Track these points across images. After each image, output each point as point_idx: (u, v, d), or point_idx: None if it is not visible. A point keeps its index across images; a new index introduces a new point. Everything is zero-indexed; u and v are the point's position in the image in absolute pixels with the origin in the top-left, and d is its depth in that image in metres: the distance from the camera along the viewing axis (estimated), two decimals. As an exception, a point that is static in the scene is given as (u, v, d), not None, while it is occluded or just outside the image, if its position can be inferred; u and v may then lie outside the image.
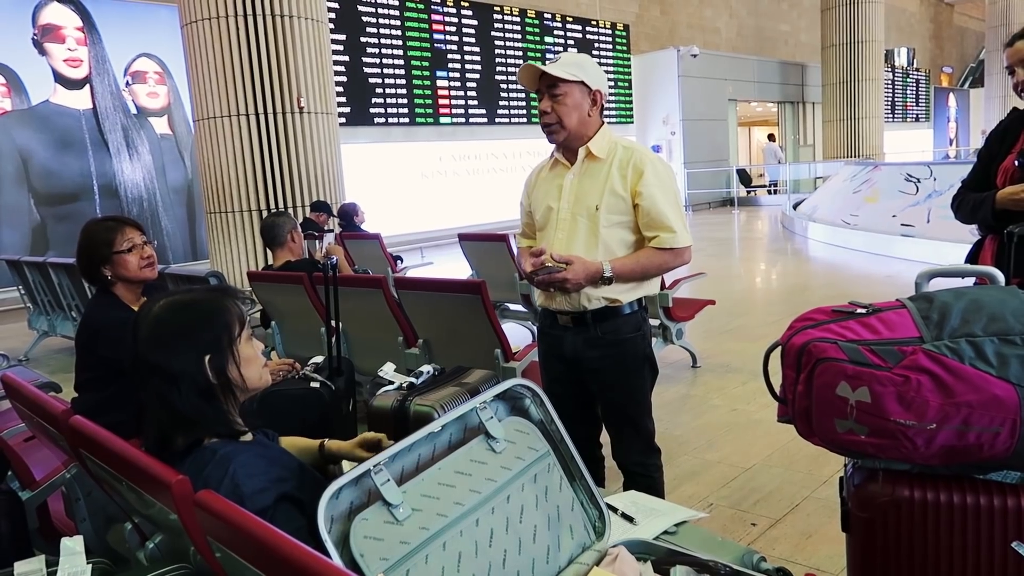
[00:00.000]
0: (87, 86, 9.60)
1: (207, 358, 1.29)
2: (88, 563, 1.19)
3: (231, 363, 1.31)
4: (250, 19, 6.53)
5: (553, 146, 2.18)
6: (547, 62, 2.04)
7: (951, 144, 26.37)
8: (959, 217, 2.35)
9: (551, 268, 1.97)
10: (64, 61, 9.42)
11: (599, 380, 2.16)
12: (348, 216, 6.88)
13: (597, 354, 2.12)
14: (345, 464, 1.55)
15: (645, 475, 2.20)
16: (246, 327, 1.36)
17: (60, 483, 1.76)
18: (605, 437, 2.29)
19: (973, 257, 2.32)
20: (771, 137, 19.70)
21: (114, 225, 2.33)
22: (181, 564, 1.21)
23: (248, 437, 1.36)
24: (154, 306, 1.34)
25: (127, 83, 9.96)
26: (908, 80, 23.69)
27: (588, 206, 2.07)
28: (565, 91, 2.02)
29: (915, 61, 24.66)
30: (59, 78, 9.40)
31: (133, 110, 10.02)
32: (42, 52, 9.26)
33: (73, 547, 1.20)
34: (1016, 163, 2.16)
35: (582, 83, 2.04)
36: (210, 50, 6.60)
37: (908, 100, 23.72)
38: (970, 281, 1.84)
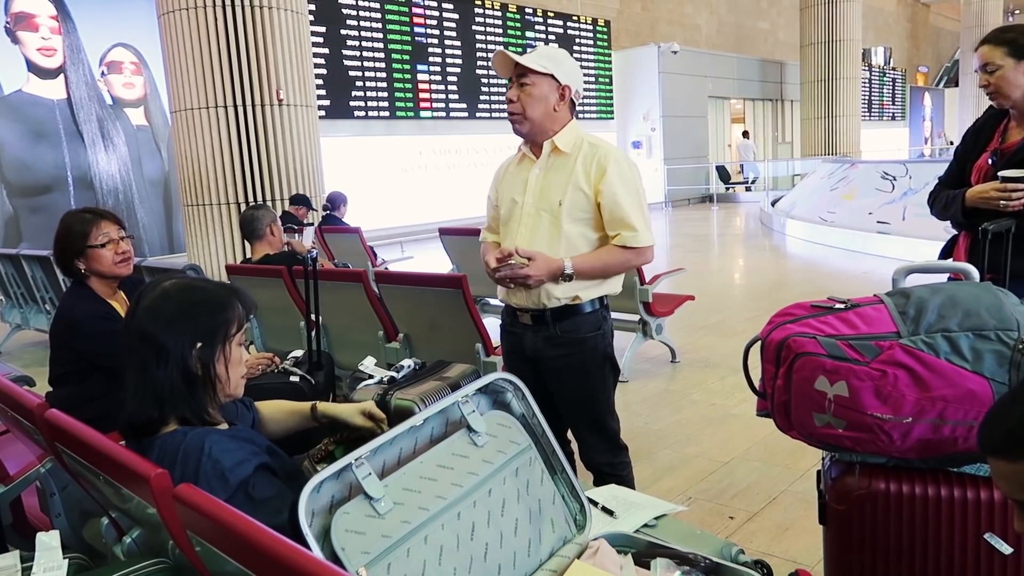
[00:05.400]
0: (61, 76, 9.43)
1: (198, 345, 1.30)
2: (64, 558, 1.17)
3: (219, 358, 1.33)
4: (228, 9, 6.46)
5: (521, 140, 2.16)
6: (526, 52, 2.04)
7: (926, 143, 26.68)
8: (934, 213, 2.38)
9: (514, 264, 1.96)
10: (38, 50, 9.25)
11: (558, 379, 2.12)
12: (336, 204, 6.83)
13: (557, 353, 2.09)
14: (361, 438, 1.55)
15: (614, 474, 2.17)
16: (243, 331, 1.37)
17: (34, 478, 1.73)
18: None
19: (947, 253, 2.35)
20: (745, 134, 19.82)
21: (91, 218, 2.29)
22: (159, 559, 1.20)
23: (222, 427, 1.36)
24: (165, 281, 1.37)
25: (102, 73, 9.80)
26: (885, 79, 23.94)
27: (551, 201, 2.05)
28: (533, 82, 2.02)
29: (892, 60, 24.92)
30: (32, 67, 9.23)
31: (109, 101, 9.86)
32: (15, 41, 9.08)
33: (49, 542, 1.19)
34: (989, 161, 2.18)
35: (551, 76, 2.03)
36: (188, 40, 6.51)
37: (884, 99, 23.97)
38: (945, 277, 1.87)
